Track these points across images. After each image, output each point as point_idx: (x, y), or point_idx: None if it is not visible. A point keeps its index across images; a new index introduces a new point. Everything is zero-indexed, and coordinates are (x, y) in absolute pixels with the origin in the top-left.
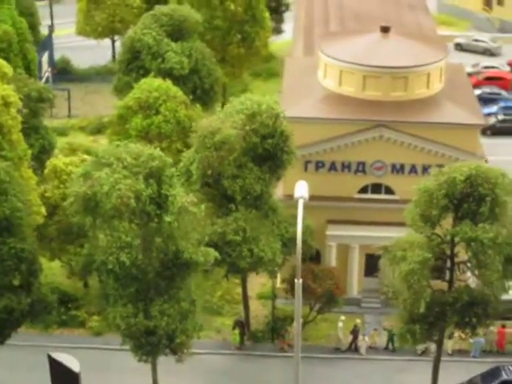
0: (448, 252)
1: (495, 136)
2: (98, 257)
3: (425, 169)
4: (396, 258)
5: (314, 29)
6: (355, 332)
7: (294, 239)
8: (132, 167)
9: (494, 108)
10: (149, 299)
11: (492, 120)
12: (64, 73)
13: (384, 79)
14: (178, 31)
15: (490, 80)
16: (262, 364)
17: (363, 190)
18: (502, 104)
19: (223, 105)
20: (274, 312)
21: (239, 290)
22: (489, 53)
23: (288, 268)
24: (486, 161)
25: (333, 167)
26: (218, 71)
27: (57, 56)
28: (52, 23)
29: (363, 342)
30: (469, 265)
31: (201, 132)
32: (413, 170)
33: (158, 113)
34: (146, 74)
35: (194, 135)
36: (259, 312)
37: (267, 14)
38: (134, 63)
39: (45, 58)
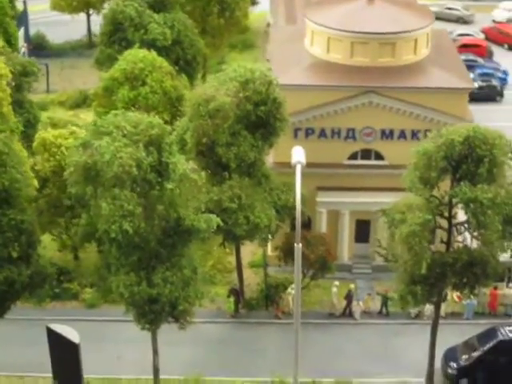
0: (446, 214)
1: (473, 103)
2: (101, 226)
3: (414, 134)
4: (395, 221)
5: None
6: (349, 297)
7: (286, 206)
8: (132, 135)
9: (471, 75)
10: (151, 267)
11: None
12: (40, 48)
13: (372, 45)
14: (159, 2)
15: (466, 47)
16: (257, 331)
17: (353, 157)
18: (478, 71)
19: (203, 76)
20: (266, 280)
21: (230, 258)
22: (462, 21)
23: (280, 235)
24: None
25: (322, 134)
26: (199, 42)
27: (32, 31)
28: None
29: (357, 306)
30: (467, 226)
31: (195, 100)
32: (402, 135)
33: (144, 84)
34: (128, 45)
35: (187, 103)
36: (251, 280)
37: None
38: (117, 35)
39: (20, 33)
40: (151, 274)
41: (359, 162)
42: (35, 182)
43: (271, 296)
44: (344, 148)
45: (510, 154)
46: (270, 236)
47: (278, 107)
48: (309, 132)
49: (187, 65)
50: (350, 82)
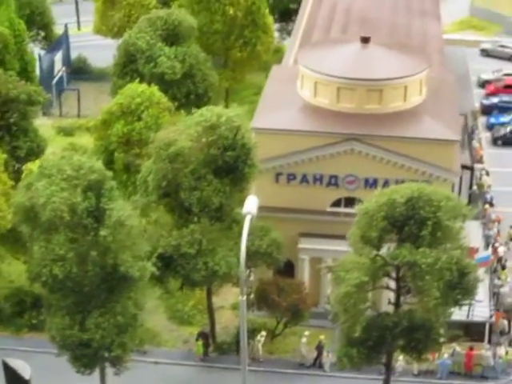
0: (394, 274)
1: (506, 146)
2: (33, 268)
3: (398, 183)
4: (338, 279)
5: (312, 34)
6: (319, 348)
7: (258, 252)
8: (71, 179)
9: (508, 117)
10: (87, 311)
11: (503, 130)
12: (80, 72)
13: (358, 92)
14: (172, 35)
15: (509, 88)
16: (224, 376)
17: (336, 204)
18: None
19: (226, 107)
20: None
21: (213, 299)
22: None
23: (254, 280)
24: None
25: (304, 180)
26: (213, 76)
27: (74, 54)
28: (78, 20)
29: (327, 358)
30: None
31: (157, 143)
32: (386, 184)
33: (140, 119)
34: (140, 78)
35: (151, 146)
36: (230, 323)
37: (270, 19)
38: (129, 67)
39: (58, 57)
40: (86, 318)
41: (343, 209)
42: (9, 216)
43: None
44: (327, 195)
45: (461, 218)
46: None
47: (247, 153)
48: (290, 177)
49: (198, 98)
50: (334, 129)
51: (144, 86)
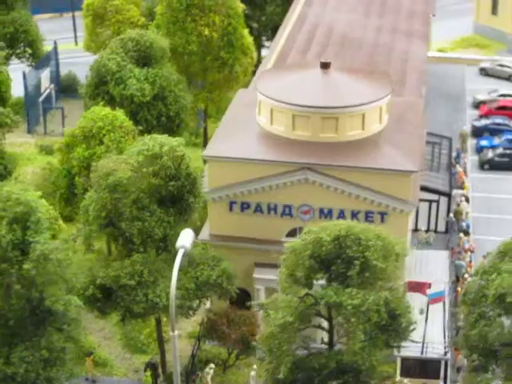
0: (326, 314)
1: (493, 171)
2: None
3: (354, 215)
4: (267, 318)
5: (288, 56)
6: None
7: (207, 282)
8: None
9: (497, 140)
10: (13, 344)
11: (490, 154)
12: (69, 89)
13: (313, 119)
14: (144, 57)
15: (503, 110)
16: None
17: (291, 234)
18: (505, 137)
19: (205, 130)
20: (193, 354)
21: (166, 328)
22: None
23: (205, 311)
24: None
25: (258, 209)
26: (185, 98)
27: (66, 71)
28: (75, 35)
29: None
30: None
31: (97, 173)
32: (341, 215)
33: (101, 143)
34: (111, 99)
35: (92, 175)
36: (184, 352)
37: (250, 40)
38: (101, 88)
39: (45, 74)
40: (11, 351)
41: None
42: None
43: (193, 373)
44: (281, 224)
45: (392, 257)
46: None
47: (192, 182)
48: (244, 206)
49: (169, 121)
50: (287, 157)
51: (107, 109)
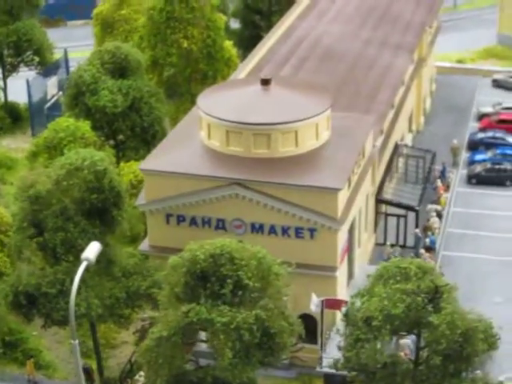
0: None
1: (480, 185)
2: None
3: (284, 230)
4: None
5: (262, 69)
6: None
7: (137, 292)
8: None
9: (488, 154)
10: None
11: (478, 168)
12: None
13: (245, 135)
14: (119, 69)
15: (503, 123)
16: None
17: None
18: (498, 151)
19: None
20: (130, 359)
21: (116, 334)
22: None
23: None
24: None
25: (193, 222)
26: (160, 109)
27: None
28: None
29: None
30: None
31: (18, 185)
32: (272, 230)
33: (62, 154)
34: (88, 110)
35: (15, 187)
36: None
37: (233, 52)
38: (79, 99)
39: (52, 81)
40: None
41: None
42: None
43: (126, 378)
44: (216, 238)
45: (272, 277)
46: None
47: (116, 196)
48: (180, 219)
49: (144, 132)
50: (219, 172)
51: (71, 120)
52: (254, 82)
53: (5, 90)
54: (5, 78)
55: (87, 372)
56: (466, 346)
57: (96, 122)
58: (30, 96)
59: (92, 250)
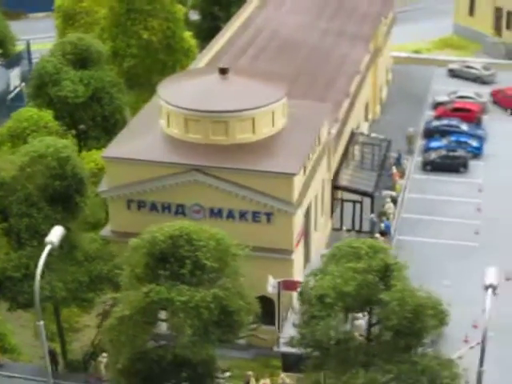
0: None
1: (434, 172)
2: None
3: (242, 215)
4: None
5: (221, 59)
6: None
7: (99, 276)
8: None
9: (443, 141)
10: None
11: (433, 155)
12: None
13: (203, 123)
14: (81, 60)
15: (457, 111)
16: None
17: None
18: (452, 138)
19: None
20: (93, 342)
21: (78, 318)
22: (480, 80)
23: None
24: None
25: (154, 208)
26: (121, 99)
27: None
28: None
29: None
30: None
31: None
32: (230, 215)
33: (26, 143)
34: (50, 100)
35: None
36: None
37: (193, 42)
38: (42, 89)
39: (15, 73)
40: None
41: None
42: None
43: (89, 360)
44: None
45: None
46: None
47: (79, 182)
48: (141, 204)
49: (105, 121)
50: (178, 159)
51: (34, 110)
52: (213, 71)
53: None
54: None
55: (52, 354)
56: (416, 322)
57: (58, 112)
58: None
59: (55, 234)
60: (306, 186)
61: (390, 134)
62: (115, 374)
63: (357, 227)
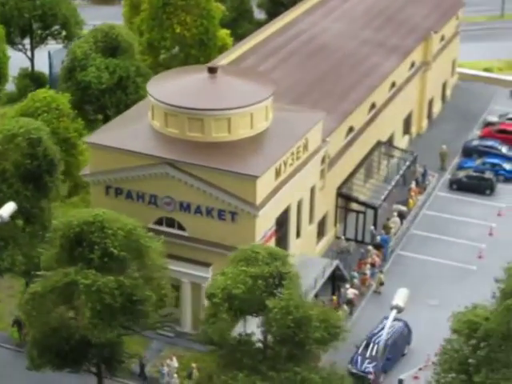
0: None
1: (460, 191)
2: None
3: (208, 211)
4: None
5: (247, 59)
6: None
7: None
8: None
9: (477, 162)
10: None
11: (460, 174)
12: None
13: (181, 119)
14: (111, 48)
15: (502, 133)
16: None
17: (158, 222)
18: (487, 159)
19: None
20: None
21: None
22: None
23: None
24: None
25: (129, 196)
26: (145, 89)
27: None
28: None
29: None
30: None
31: None
32: (198, 210)
33: None
34: (78, 84)
35: None
36: None
37: (229, 41)
38: (73, 73)
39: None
40: None
41: (163, 228)
42: None
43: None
44: (149, 213)
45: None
46: None
47: (49, 163)
48: (118, 191)
49: (127, 108)
50: (152, 151)
51: (50, 92)
52: (204, 69)
53: (32, 60)
54: (32, 49)
55: (19, 324)
56: (299, 332)
57: (85, 97)
58: (50, 67)
59: (6, 209)
60: (276, 190)
61: (431, 149)
62: (29, 345)
63: (359, 238)
